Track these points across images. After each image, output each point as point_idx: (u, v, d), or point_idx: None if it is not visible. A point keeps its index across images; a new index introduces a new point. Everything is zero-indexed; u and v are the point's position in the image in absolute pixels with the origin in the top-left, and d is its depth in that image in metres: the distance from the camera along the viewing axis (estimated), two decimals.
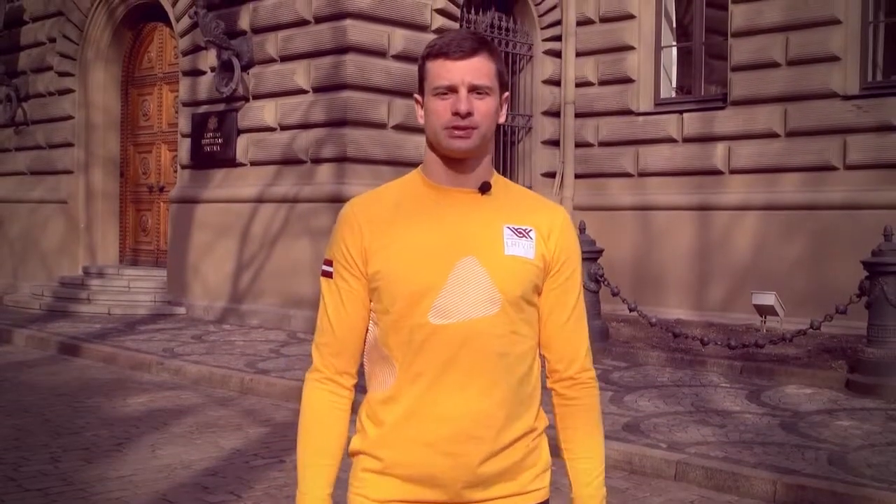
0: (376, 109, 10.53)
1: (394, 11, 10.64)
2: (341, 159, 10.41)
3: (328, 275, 1.96)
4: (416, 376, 1.87)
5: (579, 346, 2.03)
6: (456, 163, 1.91)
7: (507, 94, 1.97)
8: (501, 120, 1.97)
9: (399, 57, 10.65)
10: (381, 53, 10.58)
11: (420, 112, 1.95)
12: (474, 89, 1.86)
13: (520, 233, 1.94)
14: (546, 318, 1.99)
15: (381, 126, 10.60)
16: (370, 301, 1.94)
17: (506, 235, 1.92)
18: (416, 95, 1.96)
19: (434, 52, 1.89)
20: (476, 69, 1.86)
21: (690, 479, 5.22)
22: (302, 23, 10.73)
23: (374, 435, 1.91)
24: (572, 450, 2.01)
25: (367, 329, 1.97)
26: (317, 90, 10.66)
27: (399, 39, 10.67)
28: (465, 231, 1.91)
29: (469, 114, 1.85)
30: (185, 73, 12.10)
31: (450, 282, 1.87)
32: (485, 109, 1.88)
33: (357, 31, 10.37)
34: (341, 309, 1.95)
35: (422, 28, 10.84)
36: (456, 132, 1.86)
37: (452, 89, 1.86)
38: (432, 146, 1.94)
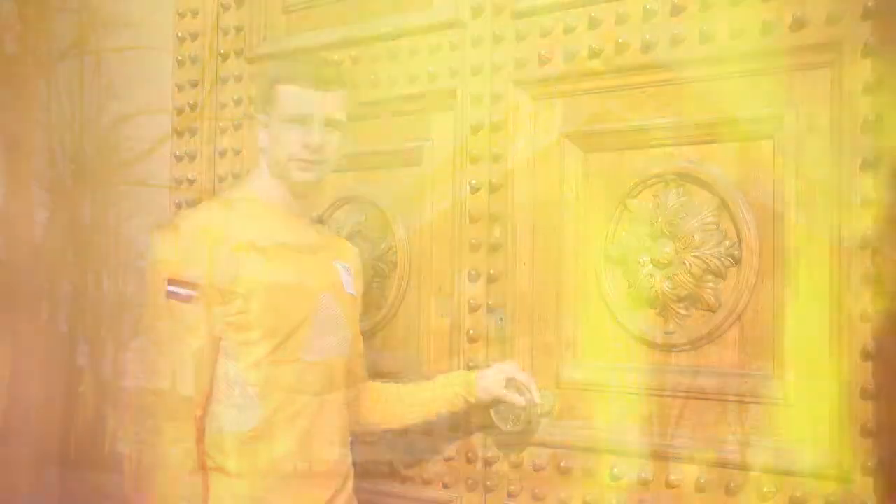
0: None
1: None
2: None
3: (184, 298, 1.69)
4: (292, 416, 1.75)
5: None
6: (297, 193, 1.84)
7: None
8: (343, 152, 1.91)
9: None
10: None
11: (262, 135, 1.82)
12: (329, 122, 1.78)
13: (346, 270, 1.91)
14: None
15: None
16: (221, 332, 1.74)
17: (340, 272, 1.89)
18: (260, 116, 1.83)
19: (290, 77, 1.78)
20: (334, 101, 1.78)
21: None
22: None
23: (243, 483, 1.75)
24: None
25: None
26: None
27: None
28: (316, 265, 1.85)
29: (321, 147, 1.78)
30: None
31: (315, 317, 1.79)
32: (336, 143, 1.81)
33: None
34: (203, 339, 1.72)
35: None
36: (304, 164, 1.77)
37: (306, 119, 1.76)
38: (275, 173, 1.83)
